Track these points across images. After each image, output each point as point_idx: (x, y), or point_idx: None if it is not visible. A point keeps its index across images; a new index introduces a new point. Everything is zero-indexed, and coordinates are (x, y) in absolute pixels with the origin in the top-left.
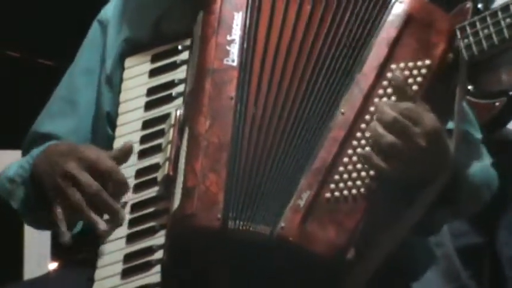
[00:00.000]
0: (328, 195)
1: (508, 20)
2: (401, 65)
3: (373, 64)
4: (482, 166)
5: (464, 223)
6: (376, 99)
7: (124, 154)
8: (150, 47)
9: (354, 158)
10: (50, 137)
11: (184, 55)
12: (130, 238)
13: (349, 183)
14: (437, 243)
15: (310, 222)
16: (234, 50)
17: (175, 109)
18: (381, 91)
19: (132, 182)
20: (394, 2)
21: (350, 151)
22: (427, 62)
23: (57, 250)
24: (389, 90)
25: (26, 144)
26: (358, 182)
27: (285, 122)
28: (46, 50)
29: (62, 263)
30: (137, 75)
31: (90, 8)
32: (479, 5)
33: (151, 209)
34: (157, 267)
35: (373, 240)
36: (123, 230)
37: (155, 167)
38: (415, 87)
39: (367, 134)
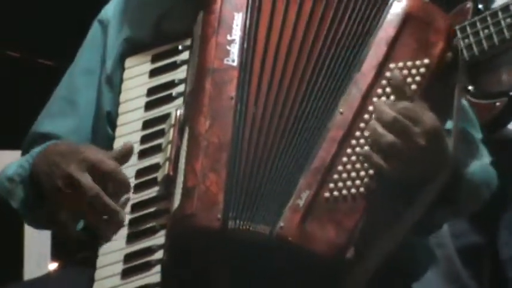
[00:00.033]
0: (327, 194)
1: (508, 20)
2: (400, 64)
3: (371, 63)
4: (481, 165)
5: (464, 223)
6: (375, 99)
7: (124, 155)
8: (150, 46)
9: (353, 158)
10: (50, 137)
11: (185, 55)
12: (131, 238)
13: (348, 182)
14: (438, 243)
15: (310, 221)
16: (234, 50)
17: (175, 109)
18: (379, 90)
19: (132, 182)
20: (393, 1)
21: (349, 151)
22: (426, 61)
23: (57, 250)
24: (388, 90)
25: (25, 144)
26: (357, 182)
27: (285, 121)
28: (46, 50)
29: (62, 263)
30: (137, 75)
31: (90, 8)
32: (480, 5)
33: (151, 209)
34: (158, 267)
35: (372, 239)
36: (123, 230)
37: (155, 167)
38: (413, 87)
39: (366, 134)
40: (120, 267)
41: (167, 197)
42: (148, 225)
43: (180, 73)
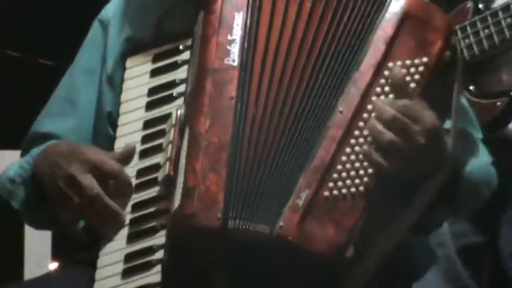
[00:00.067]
0: (326, 194)
1: (508, 19)
2: (399, 63)
3: (370, 63)
4: (481, 164)
5: (465, 223)
6: (374, 98)
7: (127, 156)
8: (151, 46)
9: (352, 157)
10: (49, 137)
11: (186, 55)
12: (131, 238)
13: (348, 181)
14: (439, 243)
15: (309, 221)
16: (235, 50)
17: (176, 109)
18: (378, 89)
19: (133, 181)
20: (391, 0)
21: (348, 150)
22: (424, 59)
23: (58, 250)
24: (386, 89)
25: (25, 144)
26: (357, 181)
27: (284, 121)
28: (46, 50)
29: (62, 263)
30: (138, 75)
31: (90, 7)
32: (480, 5)
33: (152, 209)
34: (158, 267)
35: (372, 238)
36: (123, 230)
37: (156, 167)
38: (412, 85)
39: (365, 133)
40: (120, 267)
41: (168, 197)
42: (148, 225)
43: (181, 73)
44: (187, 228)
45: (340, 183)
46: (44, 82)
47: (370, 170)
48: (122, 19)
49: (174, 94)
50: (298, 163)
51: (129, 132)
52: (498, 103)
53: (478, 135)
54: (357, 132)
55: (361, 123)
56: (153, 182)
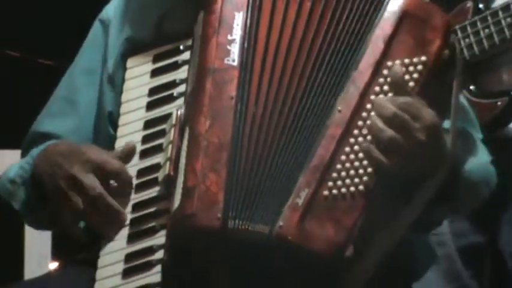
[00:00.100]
0: (326, 193)
1: (508, 19)
2: (397, 61)
3: (369, 61)
4: (480, 163)
5: (465, 223)
6: (373, 97)
7: (127, 154)
8: (151, 46)
9: (352, 156)
10: (50, 137)
11: (186, 55)
12: (131, 238)
13: (347, 180)
14: (439, 242)
15: (309, 220)
16: (235, 50)
17: (176, 109)
18: (377, 88)
19: (133, 182)
20: None
21: (347, 149)
22: (423, 58)
23: (58, 250)
24: (385, 88)
25: (25, 144)
26: (356, 180)
27: (284, 120)
28: (46, 50)
29: (62, 262)
30: (139, 75)
31: (91, 7)
32: (480, 5)
33: (152, 209)
34: (158, 267)
35: (372, 237)
36: (124, 230)
37: (156, 167)
38: (411, 84)
39: (365, 131)
40: (121, 267)
41: (168, 197)
42: (148, 225)
43: (181, 73)
44: (187, 228)
45: (339, 183)
46: (44, 82)
47: (369, 169)
48: (122, 19)
49: (175, 94)
50: (297, 162)
51: (130, 132)
52: (498, 103)
53: (478, 135)
54: (356, 131)
55: (360, 122)
56: (153, 182)
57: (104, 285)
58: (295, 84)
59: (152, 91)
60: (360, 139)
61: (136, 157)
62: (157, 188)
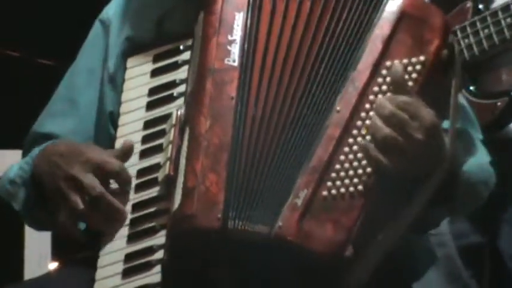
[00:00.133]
0: (325, 193)
1: (508, 19)
2: (396, 61)
3: (367, 61)
4: (479, 164)
5: (465, 223)
6: (371, 97)
7: (126, 153)
8: (151, 46)
9: (350, 156)
10: (50, 137)
11: (186, 55)
12: (131, 238)
13: (346, 180)
14: (439, 243)
15: (308, 220)
16: (235, 50)
17: (176, 109)
18: (375, 88)
19: (133, 181)
20: None
21: (346, 149)
22: (422, 58)
23: (58, 250)
24: (384, 87)
25: (26, 145)
26: (355, 180)
27: (284, 121)
28: (46, 50)
29: (62, 263)
30: (139, 75)
31: (90, 8)
32: (480, 5)
33: (152, 209)
34: (158, 267)
35: (371, 237)
36: (124, 230)
37: (156, 167)
38: (410, 84)
39: (363, 132)
40: (120, 266)
41: (168, 197)
42: (148, 225)
43: (182, 73)
44: (187, 228)
45: (338, 183)
46: (44, 82)
47: (368, 169)
48: (123, 19)
49: (175, 94)
50: (297, 162)
51: (130, 132)
52: (498, 103)
53: (478, 135)
54: (355, 131)
55: (359, 122)
56: (153, 182)
57: (103, 285)
58: (294, 85)
59: (152, 91)
60: (359, 139)
61: (136, 157)
62: (157, 188)
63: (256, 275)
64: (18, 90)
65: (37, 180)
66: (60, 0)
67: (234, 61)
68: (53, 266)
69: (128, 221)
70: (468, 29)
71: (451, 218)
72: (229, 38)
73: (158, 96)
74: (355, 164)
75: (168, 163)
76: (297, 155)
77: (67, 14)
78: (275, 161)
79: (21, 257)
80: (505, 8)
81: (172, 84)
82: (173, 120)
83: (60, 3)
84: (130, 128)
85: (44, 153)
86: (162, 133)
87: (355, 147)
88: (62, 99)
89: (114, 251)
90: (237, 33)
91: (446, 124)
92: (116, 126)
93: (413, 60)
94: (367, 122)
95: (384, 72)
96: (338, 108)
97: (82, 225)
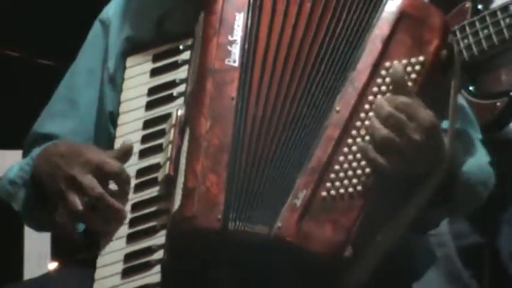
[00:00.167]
0: (324, 193)
1: (507, 20)
2: (395, 62)
3: (367, 61)
4: (478, 164)
5: (465, 223)
6: (371, 97)
7: (125, 153)
8: (151, 46)
9: (350, 157)
10: (50, 137)
11: (186, 55)
12: (131, 238)
13: (345, 181)
14: (439, 243)
15: (307, 221)
16: (236, 51)
17: (176, 109)
18: (375, 89)
19: (133, 181)
20: None
21: (345, 149)
22: (421, 58)
23: (57, 250)
24: (383, 88)
25: (27, 145)
26: (354, 180)
27: (284, 121)
28: (46, 50)
29: (62, 262)
30: (138, 74)
31: (90, 8)
32: (479, 5)
33: (151, 209)
34: (158, 267)
35: (370, 238)
36: (123, 230)
37: (156, 167)
38: (409, 84)
39: (363, 132)
40: (120, 266)
41: (168, 197)
42: (148, 225)
43: (181, 73)
44: (188, 229)
45: (337, 183)
46: (44, 82)
47: (367, 170)
48: (123, 19)
49: (174, 94)
50: (296, 163)
51: (129, 131)
52: (498, 104)
53: (477, 135)
54: (354, 132)
55: (358, 123)
56: (153, 182)
57: (103, 285)
58: (295, 85)
59: (152, 91)
60: (358, 140)
61: (135, 157)
62: (157, 188)
63: (256, 275)
64: (18, 90)
65: (37, 181)
66: (60, 0)
67: (234, 61)
68: (53, 266)
69: (127, 221)
70: (467, 29)
71: (451, 218)
72: (230, 38)
73: (158, 96)
74: (354, 164)
75: (168, 163)
76: (296, 155)
77: (67, 14)
78: (275, 162)
79: (21, 256)
80: (504, 8)
81: (172, 84)
82: (173, 120)
83: (60, 3)
84: (130, 128)
85: (44, 153)
86: (161, 133)
87: (354, 148)
88: (62, 100)
89: (114, 251)
90: (238, 34)
91: (445, 124)
92: (116, 126)
93: (413, 60)
94: (367, 122)
95: (384, 72)
96: (337, 108)
97: (81, 226)
